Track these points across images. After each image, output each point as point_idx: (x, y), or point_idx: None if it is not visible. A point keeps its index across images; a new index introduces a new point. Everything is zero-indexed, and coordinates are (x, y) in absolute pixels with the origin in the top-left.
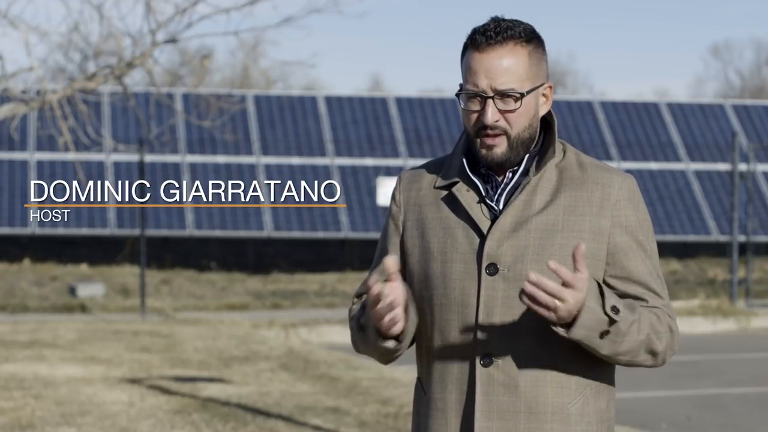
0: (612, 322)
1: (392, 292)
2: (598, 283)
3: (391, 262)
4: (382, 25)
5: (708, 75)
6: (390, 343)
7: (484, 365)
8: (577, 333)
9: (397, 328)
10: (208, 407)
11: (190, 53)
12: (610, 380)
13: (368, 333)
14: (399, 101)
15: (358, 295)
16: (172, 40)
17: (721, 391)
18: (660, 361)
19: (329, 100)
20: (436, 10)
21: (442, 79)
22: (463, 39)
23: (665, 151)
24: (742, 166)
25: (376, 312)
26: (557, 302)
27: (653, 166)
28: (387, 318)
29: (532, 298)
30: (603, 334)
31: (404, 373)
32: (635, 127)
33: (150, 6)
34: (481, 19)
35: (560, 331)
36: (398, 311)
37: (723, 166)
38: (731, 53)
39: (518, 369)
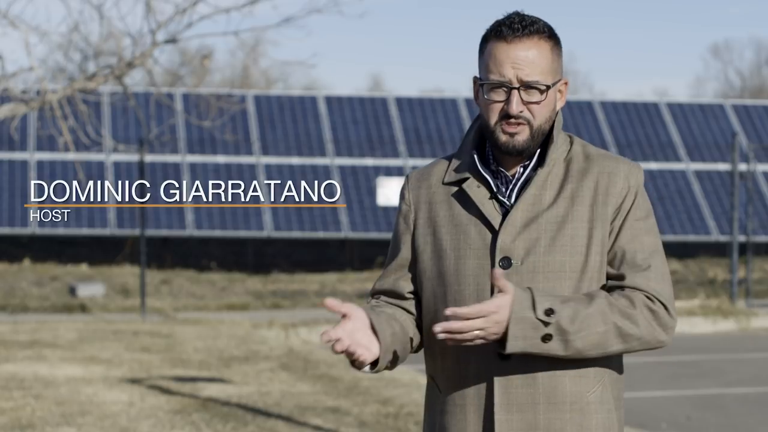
0: (546, 324)
1: (342, 336)
2: (530, 289)
3: (332, 303)
4: (382, 25)
5: (708, 75)
6: (366, 369)
7: (502, 358)
8: (513, 346)
9: (366, 359)
10: (208, 407)
11: (190, 53)
12: (621, 367)
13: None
14: (399, 101)
15: (373, 294)
16: (172, 40)
17: (721, 391)
18: (651, 343)
19: (329, 100)
20: (436, 10)
21: (442, 79)
22: (463, 38)
23: (665, 151)
24: (742, 166)
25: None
26: (476, 333)
27: (653, 166)
28: (349, 358)
29: (451, 340)
30: (545, 338)
31: (404, 373)
32: (635, 127)
33: (150, 6)
34: (482, 20)
35: (499, 349)
36: (354, 350)
37: (723, 166)
38: (731, 53)
39: (535, 361)
